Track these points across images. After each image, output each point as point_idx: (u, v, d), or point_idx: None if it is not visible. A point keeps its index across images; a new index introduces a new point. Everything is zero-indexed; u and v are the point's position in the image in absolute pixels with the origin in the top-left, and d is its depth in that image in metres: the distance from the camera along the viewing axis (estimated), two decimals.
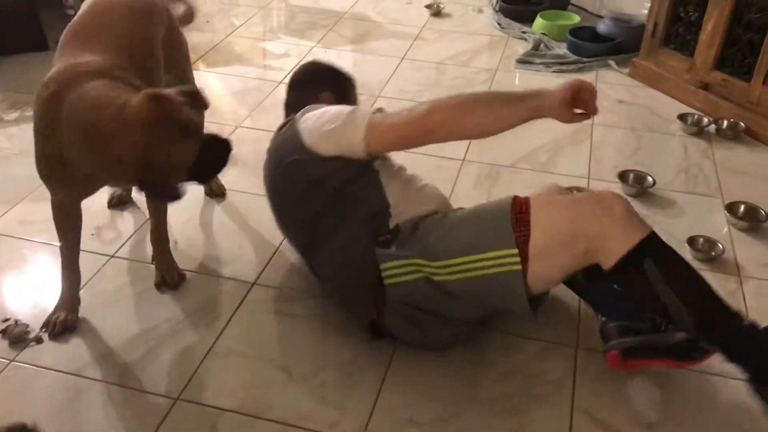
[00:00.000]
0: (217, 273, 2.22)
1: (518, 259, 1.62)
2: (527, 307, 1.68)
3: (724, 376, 1.87)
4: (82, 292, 2.08)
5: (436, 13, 4.32)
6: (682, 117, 3.18)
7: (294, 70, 2.42)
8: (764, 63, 2.98)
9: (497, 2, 4.32)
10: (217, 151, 1.76)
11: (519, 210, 1.66)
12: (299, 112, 2.01)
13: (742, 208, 2.58)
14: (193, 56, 3.68)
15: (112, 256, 2.28)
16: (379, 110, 1.88)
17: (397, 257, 1.76)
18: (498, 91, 2.12)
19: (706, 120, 3.15)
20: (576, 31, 3.88)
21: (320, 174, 1.89)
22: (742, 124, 3.09)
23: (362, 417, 1.76)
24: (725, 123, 3.12)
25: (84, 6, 2.01)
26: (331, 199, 1.87)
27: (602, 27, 3.87)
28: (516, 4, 4.26)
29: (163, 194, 1.74)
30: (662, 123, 3.21)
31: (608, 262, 1.64)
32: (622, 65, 3.67)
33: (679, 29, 3.36)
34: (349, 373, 1.89)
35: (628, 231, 1.63)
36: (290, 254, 2.29)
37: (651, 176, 2.71)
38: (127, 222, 2.46)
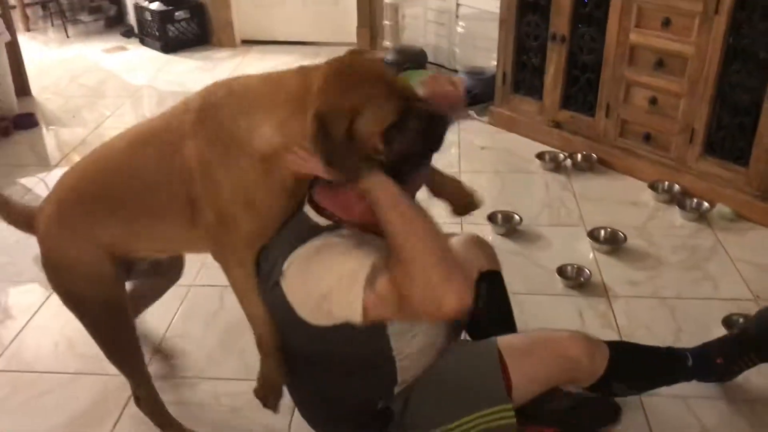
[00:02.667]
0: (102, 371, 2.17)
1: (513, 412, 1.61)
2: None
3: None
4: None
5: None
6: (540, 155, 3.40)
7: None
8: (603, 98, 3.27)
9: None
10: (430, 132, 1.40)
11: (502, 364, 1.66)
12: (285, 260, 1.49)
13: (603, 233, 2.78)
14: (58, 155, 3.67)
15: None
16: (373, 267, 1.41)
17: None
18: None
19: (561, 156, 3.39)
20: None
21: (324, 348, 1.57)
22: (595, 155, 3.35)
23: None
24: (579, 156, 3.37)
25: None
26: (332, 370, 1.61)
27: None
28: None
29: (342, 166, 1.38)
30: (523, 163, 3.43)
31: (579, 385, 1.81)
32: (481, 114, 3.90)
33: (525, 76, 3.63)
34: None
35: (593, 369, 1.74)
36: (172, 343, 2.28)
37: (517, 214, 2.89)
38: (5, 331, 2.38)
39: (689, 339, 2.24)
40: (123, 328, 1.78)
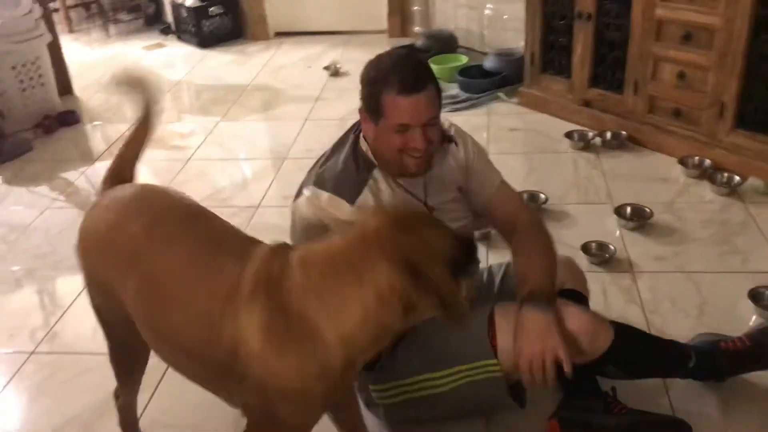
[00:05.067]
0: None
1: (498, 367, 1.66)
2: (512, 403, 1.74)
3: None
4: (4, 393, 2.13)
5: (335, 73, 4.52)
6: (569, 135, 3.39)
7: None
8: (631, 75, 3.24)
9: None
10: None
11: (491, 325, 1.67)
12: None
13: (629, 209, 2.77)
14: (100, 149, 3.80)
15: (33, 352, 2.32)
16: None
17: (382, 381, 1.72)
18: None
19: (590, 134, 3.37)
20: (465, 71, 4.11)
21: None
22: (624, 132, 3.32)
23: None
24: (609, 134, 3.34)
25: None
26: None
27: (488, 63, 4.11)
28: None
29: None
30: (552, 143, 3.42)
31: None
32: (511, 96, 3.90)
33: (553, 56, 3.61)
34: None
35: (592, 348, 1.69)
36: None
37: (543, 194, 2.89)
38: (48, 315, 2.50)
39: (714, 312, 2.24)
40: (134, 351, 1.73)
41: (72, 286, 2.64)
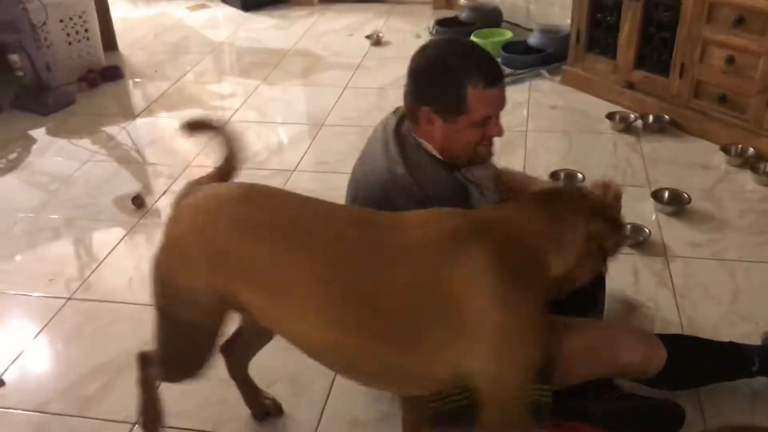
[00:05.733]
0: None
1: (549, 393, 1.64)
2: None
3: None
4: (40, 336, 2.21)
5: (376, 42, 4.49)
6: (610, 116, 3.34)
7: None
8: (678, 58, 3.17)
9: (434, 27, 4.51)
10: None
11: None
12: None
13: (667, 193, 2.73)
14: (141, 106, 3.85)
15: (69, 298, 2.38)
16: None
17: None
18: None
19: (632, 116, 3.32)
20: (509, 46, 4.06)
21: None
22: (667, 116, 3.26)
23: (312, 422, 1.88)
24: (651, 117, 3.29)
25: None
26: None
27: (532, 40, 4.05)
28: (451, 27, 4.46)
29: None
30: (592, 123, 3.38)
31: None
32: (553, 74, 3.84)
33: (599, 34, 3.55)
34: (298, 384, 1.99)
35: (645, 372, 1.70)
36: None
37: (580, 173, 2.86)
38: (83, 267, 2.57)
39: (747, 301, 2.21)
40: (198, 363, 1.61)
41: (110, 237, 2.71)
